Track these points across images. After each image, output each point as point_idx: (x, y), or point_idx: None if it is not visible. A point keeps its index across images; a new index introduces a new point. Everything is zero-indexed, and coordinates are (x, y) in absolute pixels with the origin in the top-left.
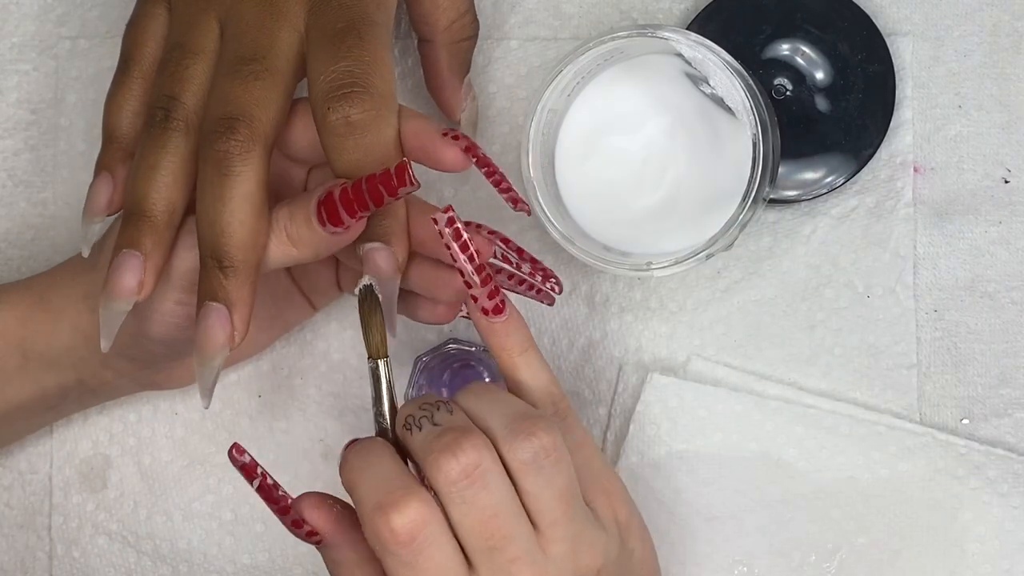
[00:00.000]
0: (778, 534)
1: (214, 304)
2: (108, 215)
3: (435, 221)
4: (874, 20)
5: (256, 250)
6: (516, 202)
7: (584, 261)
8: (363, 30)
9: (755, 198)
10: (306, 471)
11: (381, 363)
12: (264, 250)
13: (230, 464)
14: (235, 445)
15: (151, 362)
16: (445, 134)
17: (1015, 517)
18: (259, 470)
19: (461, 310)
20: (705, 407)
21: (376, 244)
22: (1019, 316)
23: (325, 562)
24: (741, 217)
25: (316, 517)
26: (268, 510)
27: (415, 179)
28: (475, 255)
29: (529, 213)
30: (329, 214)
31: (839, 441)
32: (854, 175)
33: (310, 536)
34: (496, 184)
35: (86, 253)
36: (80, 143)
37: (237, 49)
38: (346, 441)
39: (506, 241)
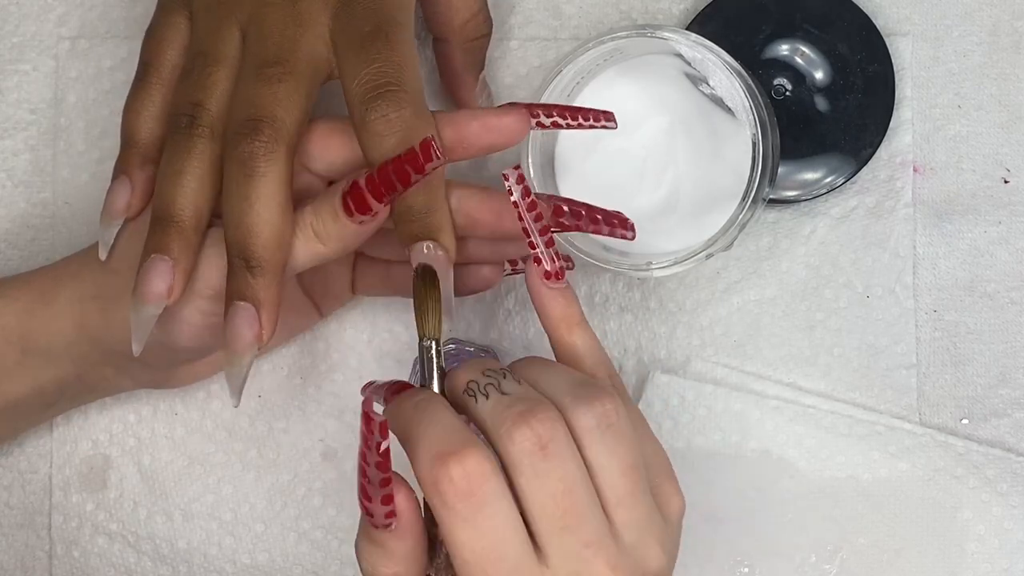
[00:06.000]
0: (779, 534)
1: (242, 304)
2: (126, 219)
3: (505, 177)
4: (874, 20)
5: (282, 249)
6: (602, 116)
7: (584, 261)
8: (390, 31)
9: (755, 198)
10: (306, 471)
11: (433, 343)
12: (290, 249)
13: (230, 463)
14: (368, 400)
15: (165, 367)
16: (499, 108)
17: (1014, 516)
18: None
19: (505, 268)
20: (705, 406)
21: (427, 243)
22: (1019, 316)
23: (368, 551)
24: (741, 217)
25: (407, 501)
26: (269, 511)
27: (441, 152)
28: (541, 215)
29: (616, 124)
30: (356, 202)
31: (839, 441)
32: (854, 175)
33: (388, 516)
34: (574, 116)
35: (103, 256)
36: (80, 143)
37: (260, 53)
38: (348, 445)
39: (567, 202)
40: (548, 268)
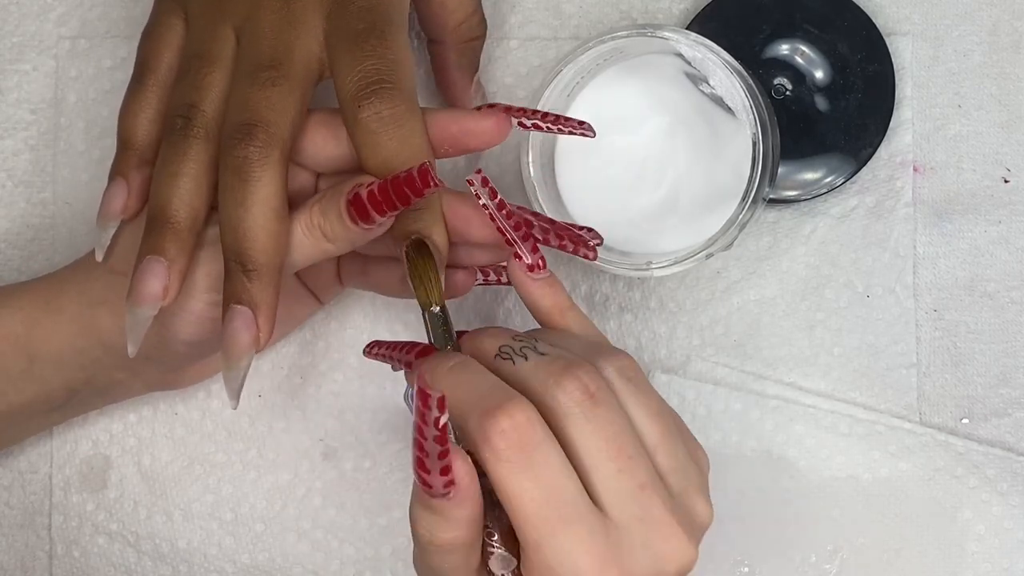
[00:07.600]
0: (779, 534)
1: (239, 307)
2: (123, 220)
3: (470, 183)
4: (874, 20)
5: (278, 252)
6: (581, 124)
7: (584, 261)
8: (384, 30)
9: (755, 198)
10: (306, 470)
11: (440, 308)
12: (286, 251)
13: (230, 463)
14: (422, 376)
15: (173, 364)
16: (478, 109)
17: (1014, 516)
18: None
19: (477, 278)
20: (705, 406)
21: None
22: (1019, 316)
23: (425, 519)
24: (741, 217)
25: (465, 467)
26: (269, 511)
27: (438, 180)
28: (511, 213)
29: (594, 134)
30: (359, 213)
31: (839, 441)
32: (854, 175)
33: (447, 486)
34: (555, 123)
35: (100, 257)
36: (80, 143)
37: (254, 56)
38: (348, 445)
39: (536, 216)
40: (528, 261)
